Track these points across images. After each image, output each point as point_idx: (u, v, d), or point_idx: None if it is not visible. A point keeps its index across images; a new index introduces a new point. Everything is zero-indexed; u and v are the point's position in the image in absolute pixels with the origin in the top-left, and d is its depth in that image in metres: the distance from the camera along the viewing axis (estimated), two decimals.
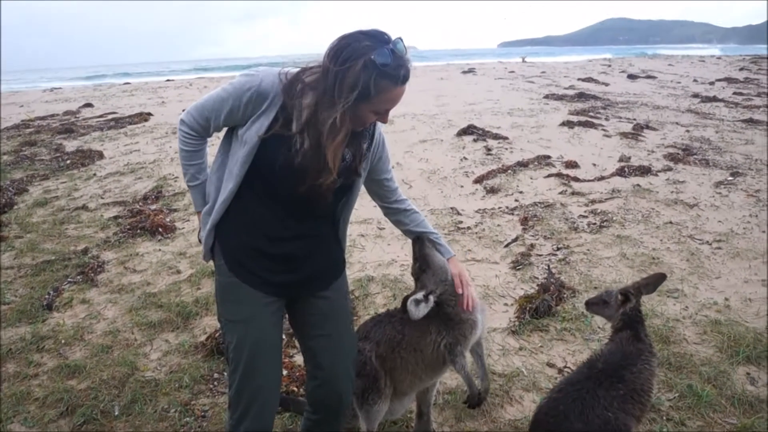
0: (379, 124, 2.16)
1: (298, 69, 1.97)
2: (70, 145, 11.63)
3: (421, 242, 2.51)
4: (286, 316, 2.40)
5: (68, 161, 10.06)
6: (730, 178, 7.43)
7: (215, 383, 3.57)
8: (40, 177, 9.20)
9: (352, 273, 5.01)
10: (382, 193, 2.40)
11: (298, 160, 1.95)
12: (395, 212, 2.47)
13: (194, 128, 2.12)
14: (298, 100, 1.93)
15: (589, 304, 2.76)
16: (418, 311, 2.38)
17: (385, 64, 1.82)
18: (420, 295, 2.41)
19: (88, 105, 19.04)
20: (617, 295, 2.62)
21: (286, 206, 2.08)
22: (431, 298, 2.43)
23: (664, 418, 3.06)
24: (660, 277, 2.69)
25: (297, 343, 2.48)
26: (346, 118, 1.90)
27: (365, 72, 1.82)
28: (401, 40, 1.88)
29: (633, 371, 2.40)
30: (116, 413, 3.31)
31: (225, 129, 2.14)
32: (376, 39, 1.86)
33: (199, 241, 2.25)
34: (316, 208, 2.12)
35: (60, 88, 32.69)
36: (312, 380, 2.38)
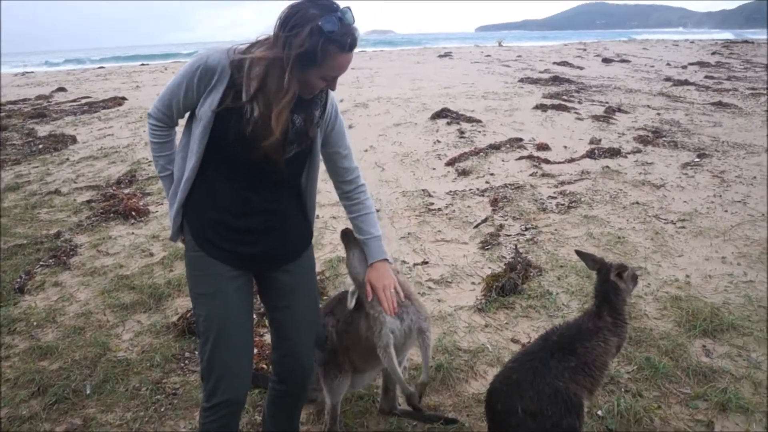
0: (332, 96, 2.23)
1: (247, 44, 2.02)
2: (43, 130, 11.50)
3: (342, 236, 2.64)
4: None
5: (40, 146, 9.98)
6: (697, 160, 7.60)
7: (186, 362, 3.63)
8: (11, 161, 9.13)
9: (323, 254, 5.07)
10: (334, 169, 2.43)
11: (249, 129, 2.01)
12: (343, 195, 2.50)
13: (160, 119, 2.19)
14: (248, 71, 1.98)
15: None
16: (350, 303, 2.60)
17: (331, 31, 1.88)
18: (353, 288, 2.62)
19: (61, 89, 18.77)
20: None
21: (246, 178, 2.13)
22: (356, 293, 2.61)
23: (623, 389, 3.19)
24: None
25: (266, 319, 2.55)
26: (293, 81, 1.95)
27: (312, 38, 1.88)
28: (350, 9, 1.94)
29: (586, 346, 2.49)
30: (88, 392, 3.36)
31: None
32: (324, 7, 1.92)
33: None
34: (274, 176, 2.16)
35: (32, 72, 32.18)
36: (277, 350, 2.45)
